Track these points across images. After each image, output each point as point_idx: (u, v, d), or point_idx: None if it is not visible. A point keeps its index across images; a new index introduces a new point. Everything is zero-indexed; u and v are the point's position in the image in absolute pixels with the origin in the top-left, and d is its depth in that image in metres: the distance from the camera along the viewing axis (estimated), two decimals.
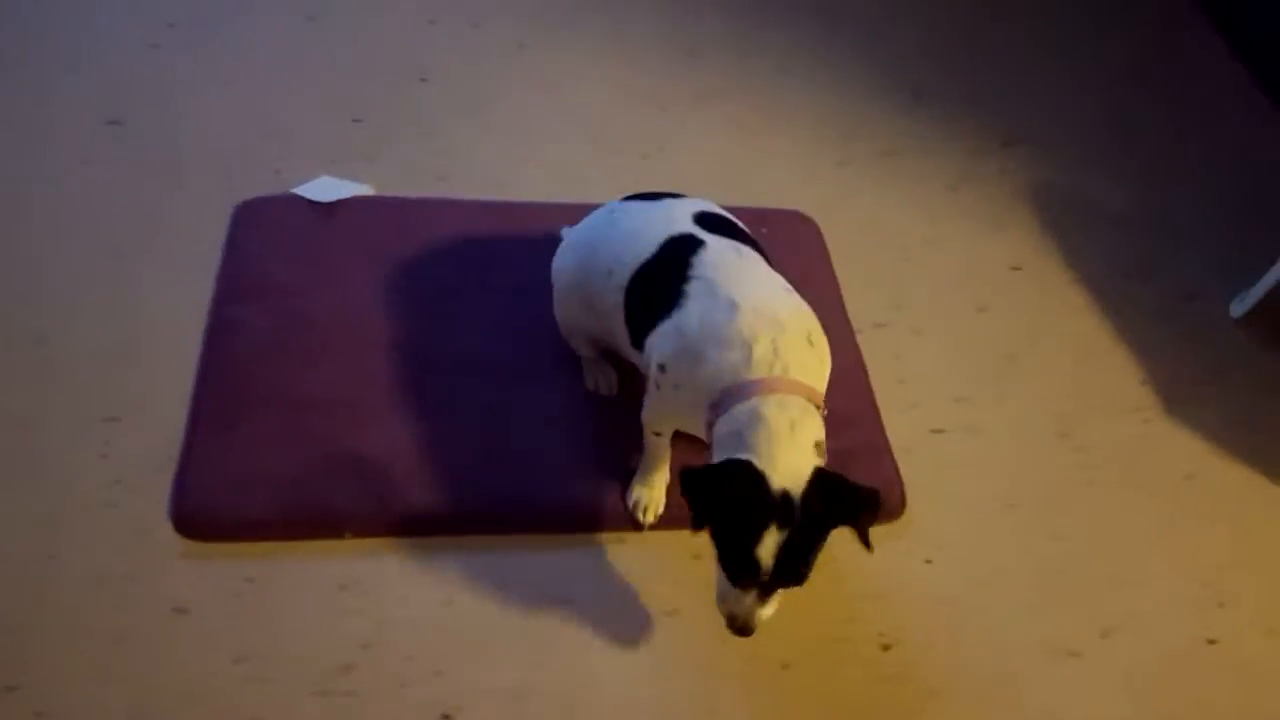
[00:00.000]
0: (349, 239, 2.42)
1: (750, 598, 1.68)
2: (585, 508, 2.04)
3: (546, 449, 2.12)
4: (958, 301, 2.60)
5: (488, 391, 2.18)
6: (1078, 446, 2.34)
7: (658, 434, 1.98)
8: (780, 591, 1.70)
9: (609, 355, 2.18)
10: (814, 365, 1.78)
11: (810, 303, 2.48)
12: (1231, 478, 2.34)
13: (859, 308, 2.49)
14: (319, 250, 2.39)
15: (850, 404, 2.28)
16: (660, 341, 1.83)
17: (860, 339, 2.42)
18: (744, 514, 1.62)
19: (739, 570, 1.65)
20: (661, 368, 1.82)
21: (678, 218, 1.95)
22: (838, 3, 3.40)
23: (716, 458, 1.70)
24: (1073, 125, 3.14)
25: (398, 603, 1.90)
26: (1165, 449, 2.37)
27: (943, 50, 3.32)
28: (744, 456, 1.64)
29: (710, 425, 1.74)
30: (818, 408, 1.73)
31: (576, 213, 2.24)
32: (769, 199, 2.69)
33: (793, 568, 1.64)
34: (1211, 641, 2.08)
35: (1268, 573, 2.20)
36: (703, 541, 2.03)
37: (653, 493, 2.03)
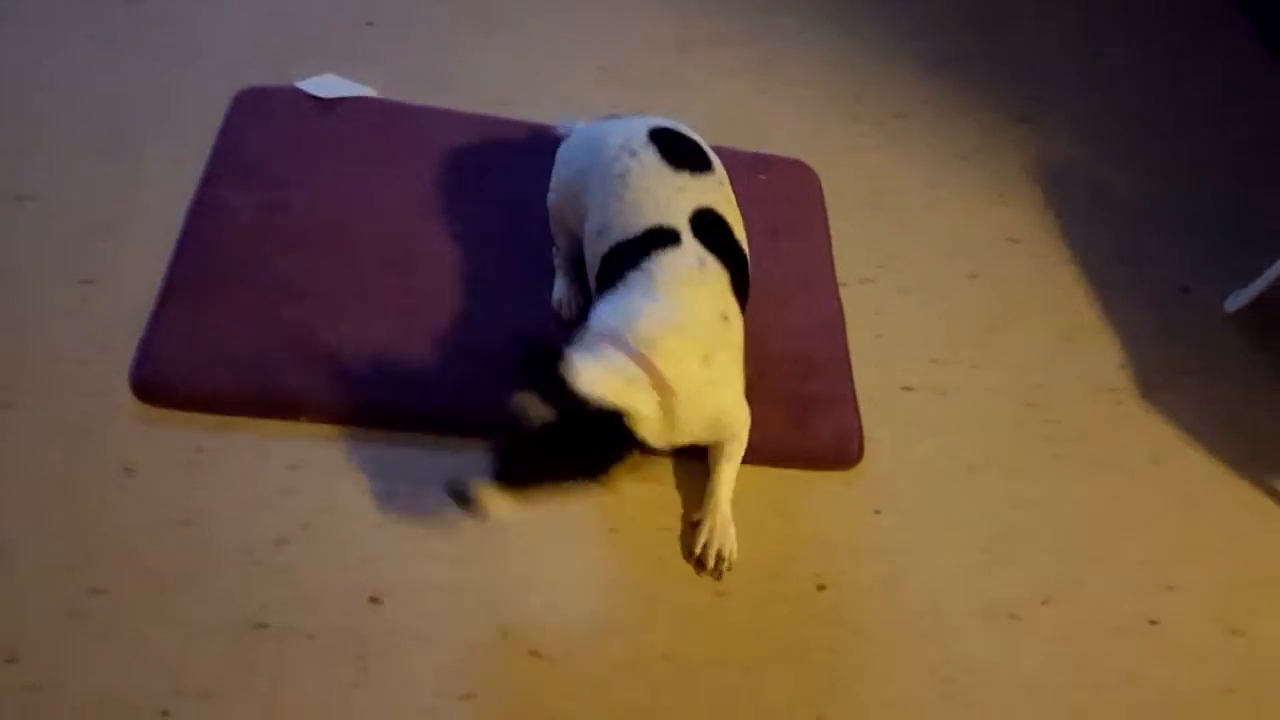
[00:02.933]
0: (344, 137, 2.43)
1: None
2: None
3: (511, 361, 2.12)
4: (949, 266, 2.58)
5: (461, 299, 2.19)
6: (1047, 419, 2.32)
7: None
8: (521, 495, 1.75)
9: (581, 279, 2.18)
10: (697, 379, 1.82)
11: (800, 252, 2.48)
12: (1198, 467, 2.31)
13: (848, 261, 2.48)
14: (313, 144, 2.40)
15: (822, 352, 2.29)
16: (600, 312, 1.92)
17: (844, 291, 2.41)
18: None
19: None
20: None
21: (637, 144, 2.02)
22: None
23: None
24: (1093, 108, 3.09)
25: (343, 488, 1.93)
26: (1134, 431, 2.35)
27: (971, 21, 3.27)
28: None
29: None
30: (660, 400, 1.77)
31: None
32: (774, 147, 2.68)
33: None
34: (1153, 622, 2.07)
35: (1220, 563, 2.18)
36: (648, 464, 2.05)
37: None
